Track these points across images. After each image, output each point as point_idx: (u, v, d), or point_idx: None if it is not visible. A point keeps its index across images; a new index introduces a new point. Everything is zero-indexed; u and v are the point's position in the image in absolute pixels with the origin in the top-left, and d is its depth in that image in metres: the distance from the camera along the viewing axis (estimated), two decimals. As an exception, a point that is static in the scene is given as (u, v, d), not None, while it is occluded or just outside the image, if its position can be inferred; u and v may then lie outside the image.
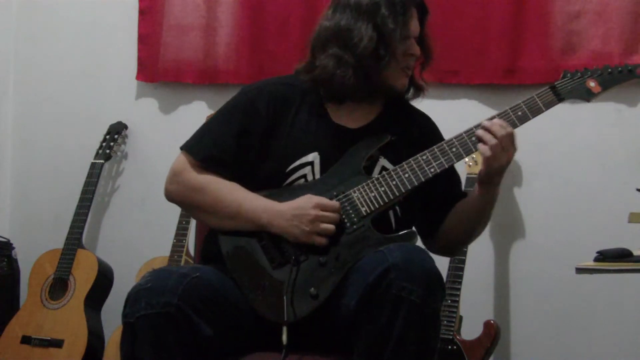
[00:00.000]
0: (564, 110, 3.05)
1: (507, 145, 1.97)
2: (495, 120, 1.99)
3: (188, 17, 3.57)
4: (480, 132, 1.98)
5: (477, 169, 2.92)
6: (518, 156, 3.05)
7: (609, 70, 2.08)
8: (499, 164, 1.98)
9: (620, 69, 2.08)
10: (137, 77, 3.70)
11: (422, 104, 3.18)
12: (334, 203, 1.98)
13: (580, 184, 3.04)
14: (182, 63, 3.58)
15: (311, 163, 2.06)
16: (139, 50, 3.68)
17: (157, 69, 3.62)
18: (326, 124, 2.11)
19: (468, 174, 2.96)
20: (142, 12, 3.68)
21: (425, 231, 2.18)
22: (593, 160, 3.03)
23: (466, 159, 2.97)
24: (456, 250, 2.27)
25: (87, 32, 3.86)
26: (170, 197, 2.13)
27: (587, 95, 2.07)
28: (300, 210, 1.96)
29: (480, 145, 1.98)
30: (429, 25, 3.16)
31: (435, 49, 2.19)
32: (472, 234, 2.16)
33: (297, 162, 2.06)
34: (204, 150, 2.09)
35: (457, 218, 2.13)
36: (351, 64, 2.04)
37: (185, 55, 3.57)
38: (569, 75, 2.08)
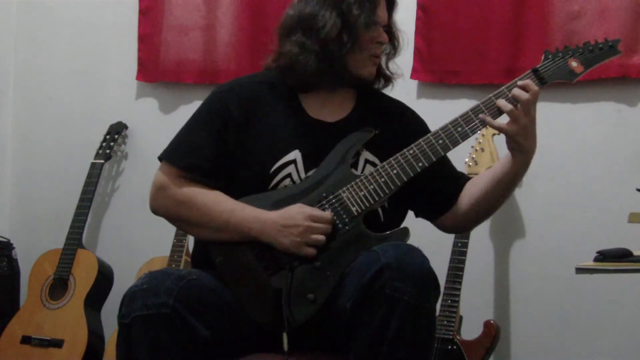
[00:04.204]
0: (564, 110, 3.08)
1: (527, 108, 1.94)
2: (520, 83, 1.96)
3: (188, 17, 3.58)
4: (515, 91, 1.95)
5: (477, 169, 2.94)
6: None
7: (590, 48, 2.06)
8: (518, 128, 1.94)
9: (601, 45, 2.07)
10: (137, 77, 3.70)
11: (423, 104, 3.20)
12: (326, 214, 1.95)
13: (580, 184, 3.04)
14: (182, 63, 3.58)
15: (294, 161, 2.04)
16: (139, 50, 3.69)
17: (157, 69, 3.63)
18: (303, 120, 2.09)
19: (468, 174, 2.96)
20: (142, 12, 3.68)
21: (432, 213, 2.16)
22: (593, 160, 3.03)
23: (466, 159, 2.97)
24: (477, 223, 2.21)
25: (87, 32, 3.86)
26: (156, 212, 2.10)
27: (570, 77, 2.05)
28: (291, 221, 1.94)
29: (501, 102, 1.95)
30: (425, 24, 3.21)
31: (402, 43, 2.18)
32: (498, 205, 2.11)
33: (280, 162, 2.03)
34: (185, 159, 2.05)
35: (480, 192, 2.08)
36: (314, 50, 2.04)
37: (185, 55, 3.57)
38: (550, 56, 2.05)
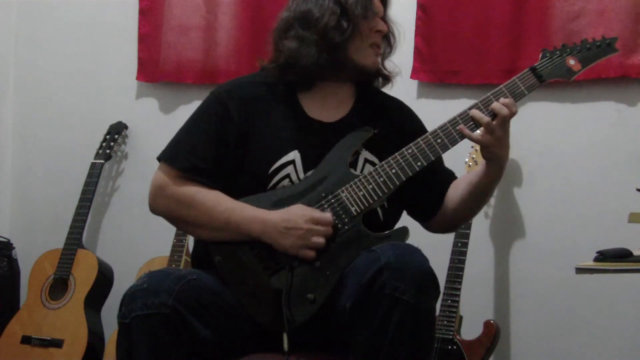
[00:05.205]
0: (564, 110, 3.08)
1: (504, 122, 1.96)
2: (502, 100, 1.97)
3: (188, 17, 3.57)
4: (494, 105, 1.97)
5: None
6: (518, 156, 3.09)
7: (588, 46, 2.07)
8: (494, 141, 1.97)
9: (598, 43, 2.07)
10: (137, 77, 3.70)
11: (423, 104, 3.20)
12: (327, 216, 1.95)
13: (580, 184, 3.04)
14: (183, 63, 3.58)
15: (292, 162, 2.03)
16: (139, 50, 3.69)
17: (157, 69, 3.63)
18: (302, 120, 2.09)
19: (468, 174, 2.96)
20: (142, 12, 3.68)
21: (423, 215, 2.19)
22: (593, 160, 3.03)
23: (466, 159, 2.97)
24: (458, 227, 2.26)
25: (87, 32, 3.86)
26: (156, 212, 2.10)
27: (568, 75, 2.06)
28: (292, 223, 1.94)
29: (474, 113, 1.97)
30: (425, 24, 3.21)
31: (398, 41, 2.19)
32: (476, 210, 2.16)
33: (279, 163, 2.03)
34: (184, 160, 2.05)
35: (458, 198, 2.11)
36: (314, 40, 2.04)
37: (186, 55, 3.57)
38: (548, 54, 2.06)
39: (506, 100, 1.97)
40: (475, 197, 2.10)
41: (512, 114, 1.97)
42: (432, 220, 2.18)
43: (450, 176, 2.19)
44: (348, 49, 2.07)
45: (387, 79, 2.20)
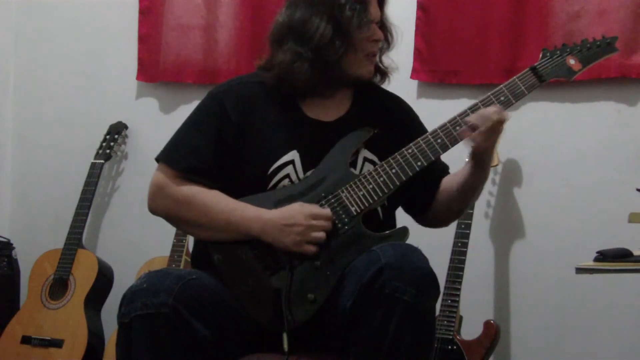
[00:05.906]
0: (564, 110, 3.08)
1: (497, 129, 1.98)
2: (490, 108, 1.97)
3: (188, 17, 3.58)
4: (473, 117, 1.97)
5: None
6: (518, 156, 3.09)
7: (588, 45, 2.08)
8: (487, 146, 1.99)
9: (598, 43, 2.08)
10: (137, 77, 3.71)
11: (423, 104, 3.20)
12: (326, 211, 1.95)
13: (581, 184, 3.04)
14: (183, 63, 3.58)
15: (292, 162, 2.03)
16: (139, 50, 3.69)
17: (157, 69, 3.63)
18: (300, 120, 2.08)
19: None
20: (142, 12, 3.68)
21: (417, 210, 2.19)
22: (593, 160, 3.03)
23: (466, 158, 2.97)
24: (449, 222, 2.26)
25: (87, 32, 3.86)
26: (155, 213, 2.09)
27: (568, 74, 2.06)
28: (292, 220, 1.93)
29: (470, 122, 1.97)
30: (425, 24, 3.21)
31: (395, 35, 2.18)
32: (464, 207, 2.18)
33: (278, 163, 2.02)
34: (183, 160, 2.04)
35: (448, 195, 2.13)
36: (308, 57, 2.02)
37: (186, 55, 3.57)
38: (548, 54, 2.07)
39: (496, 108, 1.97)
40: (462, 198, 2.12)
41: (504, 119, 1.97)
42: (423, 215, 2.19)
43: (443, 172, 2.19)
44: (342, 64, 2.05)
45: (384, 74, 2.19)
